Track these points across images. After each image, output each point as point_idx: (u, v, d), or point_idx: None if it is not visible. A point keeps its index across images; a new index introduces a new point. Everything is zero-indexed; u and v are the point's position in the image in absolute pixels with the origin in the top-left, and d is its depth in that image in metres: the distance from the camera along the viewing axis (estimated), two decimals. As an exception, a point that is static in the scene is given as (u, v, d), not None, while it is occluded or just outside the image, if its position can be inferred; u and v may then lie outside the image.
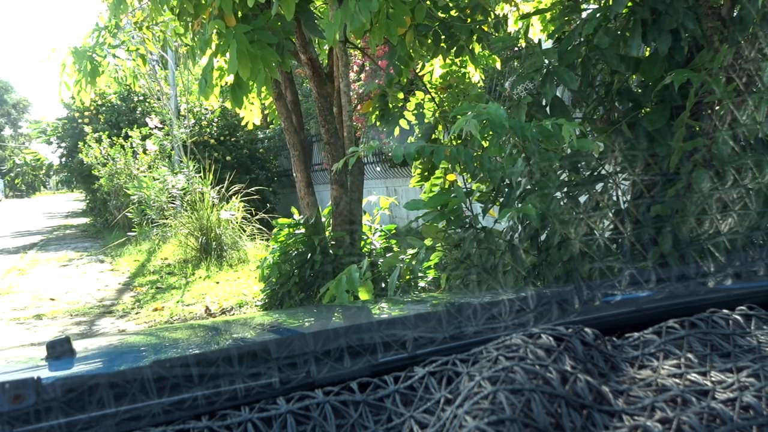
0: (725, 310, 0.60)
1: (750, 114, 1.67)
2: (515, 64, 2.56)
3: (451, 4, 3.27)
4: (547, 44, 2.70)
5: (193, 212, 6.95)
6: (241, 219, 7.19)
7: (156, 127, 9.67)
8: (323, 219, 4.14)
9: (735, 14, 1.95)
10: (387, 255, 3.70)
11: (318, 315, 1.26)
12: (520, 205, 1.84)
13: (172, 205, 7.72)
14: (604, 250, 1.83)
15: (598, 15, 1.99)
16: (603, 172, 2.02)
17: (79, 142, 12.39)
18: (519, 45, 2.91)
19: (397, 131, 4.11)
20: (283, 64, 3.23)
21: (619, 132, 2.00)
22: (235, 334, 0.97)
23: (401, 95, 4.00)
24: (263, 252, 6.10)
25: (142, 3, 4.24)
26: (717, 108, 1.78)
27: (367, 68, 5.25)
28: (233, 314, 4.58)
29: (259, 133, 11.26)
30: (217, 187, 7.26)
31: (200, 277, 6.11)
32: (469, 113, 1.62)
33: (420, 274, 3.11)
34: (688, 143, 1.76)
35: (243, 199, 7.32)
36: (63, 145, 15.10)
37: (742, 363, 0.51)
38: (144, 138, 9.94)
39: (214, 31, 2.96)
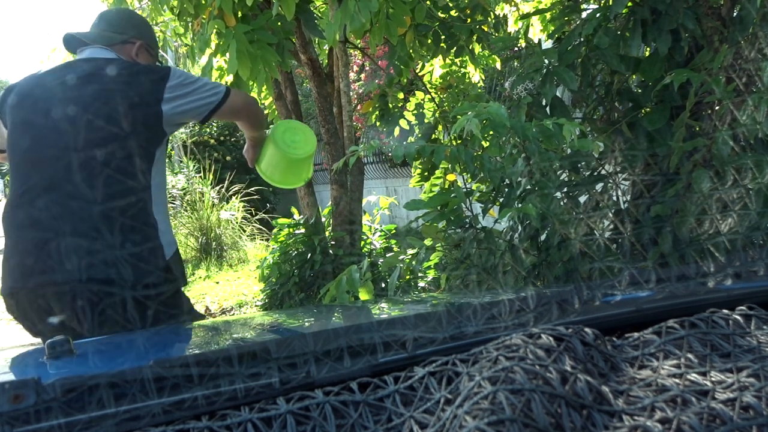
0: (725, 310, 0.60)
1: (750, 114, 1.67)
2: (515, 64, 2.56)
3: (451, 4, 3.27)
4: (547, 44, 2.70)
5: (193, 212, 6.95)
6: (241, 219, 7.19)
7: (156, 127, 9.65)
8: (323, 219, 4.14)
9: (735, 14, 1.95)
10: (387, 255, 3.70)
11: (318, 315, 1.26)
12: (520, 205, 1.84)
13: (172, 205, 7.72)
14: (604, 250, 1.83)
15: (598, 15, 1.99)
16: (603, 172, 2.02)
17: (79, 142, 12.37)
18: (519, 45, 2.91)
19: (397, 131, 4.11)
20: (283, 64, 3.23)
21: (619, 132, 2.01)
22: (235, 334, 0.97)
23: (401, 95, 4.00)
24: (263, 252, 6.10)
25: (142, 3, 4.24)
26: (717, 108, 1.78)
27: (367, 68, 5.25)
28: (233, 314, 4.58)
29: (259, 133, 11.25)
30: (217, 187, 7.27)
31: (200, 277, 6.11)
32: (470, 113, 1.63)
33: (420, 274, 3.11)
34: (688, 143, 1.77)
35: (243, 199, 7.32)
36: (63, 145, 15.10)
37: (742, 363, 0.51)
38: (144, 138, 9.92)
39: (214, 31, 2.96)
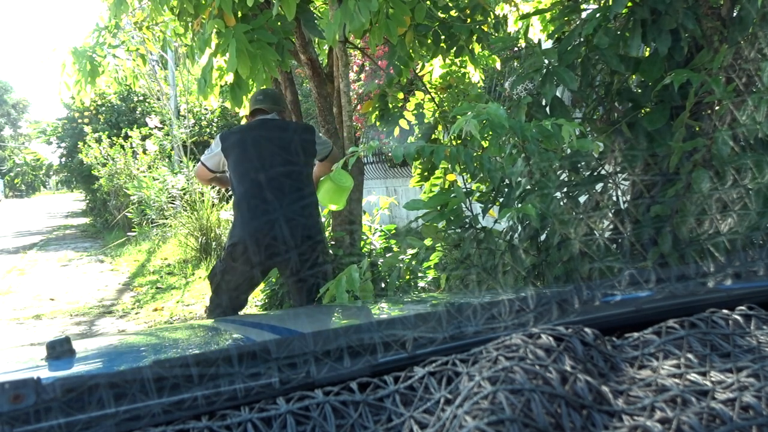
0: (725, 310, 0.60)
1: (750, 114, 1.67)
2: (515, 64, 2.56)
3: (451, 4, 3.27)
4: (547, 44, 2.70)
5: (193, 212, 6.95)
6: (241, 219, 7.17)
7: (156, 127, 9.67)
8: (323, 219, 4.14)
9: (735, 14, 1.95)
10: (387, 255, 3.70)
11: (318, 315, 1.26)
12: (520, 205, 1.84)
13: (172, 205, 7.72)
14: (604, 250, 1.83)
15: (597, 15, 1.99)
16: (603, 172, 2.02)
17: (78, 142, 12.39)
18: (519, 45, 2.91)
19: (397, 131, 4.10)
20: (282, 63, 3.23)
21: (619, 132, 2.01)
22: (235, 334, 0.97)
23: (401, 95, 3.99)
24: (263, 252, 6.08)
25: (142, 3, 4.24)
26: (717, 108, 1.78)
27: (367, 68, 5.25)
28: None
29: (258, 133, 11.25)
30: (217, 187, 7.26)
31: (200, 277, 6.10)
32: (469, 113, 1.62)
33: (420, 274, 3.11)
34: (688, 143, 1.77)
35: (243, 199, 7.29)
36: (63, 145, 15.12)
37: (741, 363, 0.51)
38: (144, 138, 9.94)
39: (214, 30, 2.96)
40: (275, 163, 2.73)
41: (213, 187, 7.30)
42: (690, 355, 0.53)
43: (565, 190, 1.99)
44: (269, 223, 2.67)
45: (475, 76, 3.91)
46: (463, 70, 3.87)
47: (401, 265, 2.13)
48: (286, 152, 2.77)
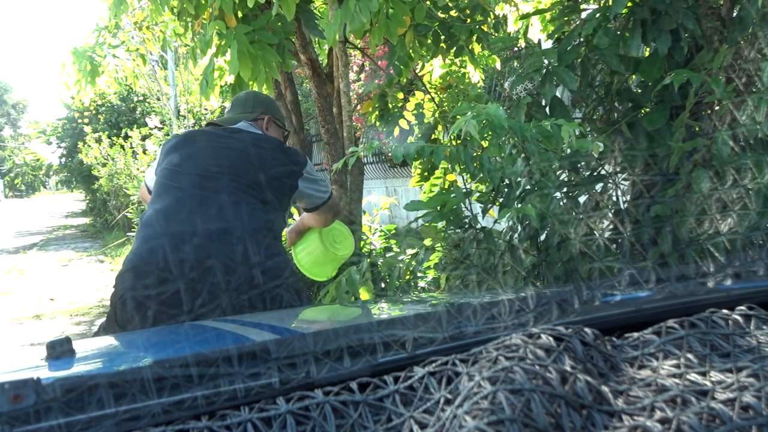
0: (725, 310, 0.60)
1: (749, 114, 1.67)
2: (515, 64, 2.56)
3: (450, 4, 3.27)
4: (547, 44, 2.70)
5: (193, 212, 6.93)
6: (241, 219, 7.16)
7: (156, 127, 9.68)
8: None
9: (735, 14, 1.95)
10: (387, 255, 3.70)
11: (318, 315, 1.26)
12: (519, 205, 1.84)
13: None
14: (604, 250, 1.83)
15: (597, 15, 1.99)
16: (603, 172, 2.02)
17: (78, 142, 12.41)
18: (519, 45, 2.91)
19: (397, 131, 4.10)
20: (283, 64, 3.23)
21: (618, 132, 2.01)
22: (235, 334, 0.97)
23: (401, 95, 3.99)
24: (263, 252, 6.07)
25: (142, 3, 4.24)
26: (717, 108, 1.79)
27: (367, 68, 5.25)
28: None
29: (258, 133, 11.24)
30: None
31: (200, 277, 6.10)
32: (469, 113, 1.62)
33: (420, 274, 3.11)
34: (688, 143, 1.77)
35: (243, 199, 7.28)
36: (63, 145, 15.15)
37: (741, 363, 0.51)
38: (144, 138, 9.94)
39: (215, 31, 2.96)
40: (219, 192, 1.77)
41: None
42: (690, 355, 0.53)
43: (565, 190, 1.99)
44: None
45: (475, 76, 3.91)
46: (463, 70, 3.87)
47: (401, 265, 2.13)
48: (240, 180, 1.79)
